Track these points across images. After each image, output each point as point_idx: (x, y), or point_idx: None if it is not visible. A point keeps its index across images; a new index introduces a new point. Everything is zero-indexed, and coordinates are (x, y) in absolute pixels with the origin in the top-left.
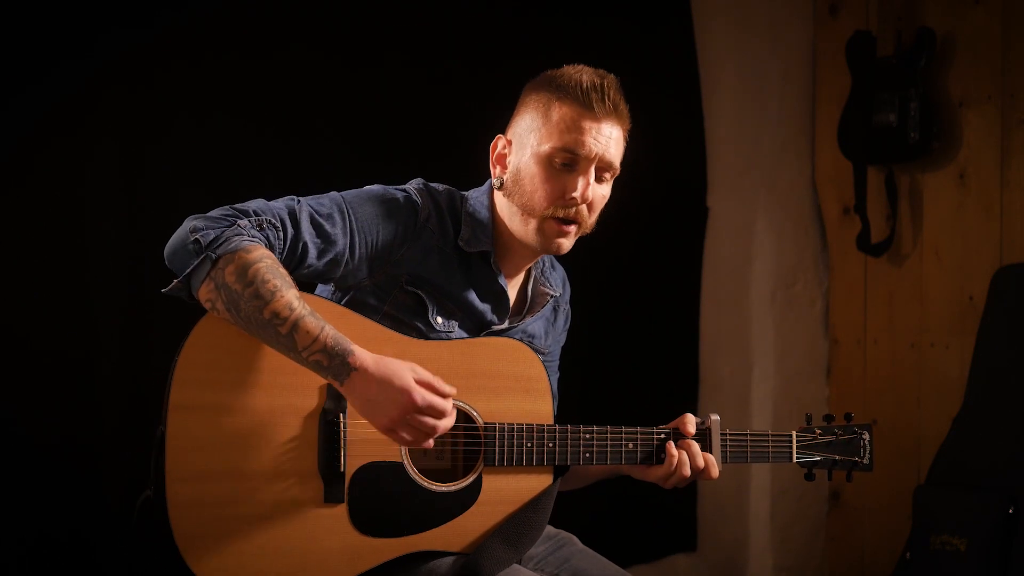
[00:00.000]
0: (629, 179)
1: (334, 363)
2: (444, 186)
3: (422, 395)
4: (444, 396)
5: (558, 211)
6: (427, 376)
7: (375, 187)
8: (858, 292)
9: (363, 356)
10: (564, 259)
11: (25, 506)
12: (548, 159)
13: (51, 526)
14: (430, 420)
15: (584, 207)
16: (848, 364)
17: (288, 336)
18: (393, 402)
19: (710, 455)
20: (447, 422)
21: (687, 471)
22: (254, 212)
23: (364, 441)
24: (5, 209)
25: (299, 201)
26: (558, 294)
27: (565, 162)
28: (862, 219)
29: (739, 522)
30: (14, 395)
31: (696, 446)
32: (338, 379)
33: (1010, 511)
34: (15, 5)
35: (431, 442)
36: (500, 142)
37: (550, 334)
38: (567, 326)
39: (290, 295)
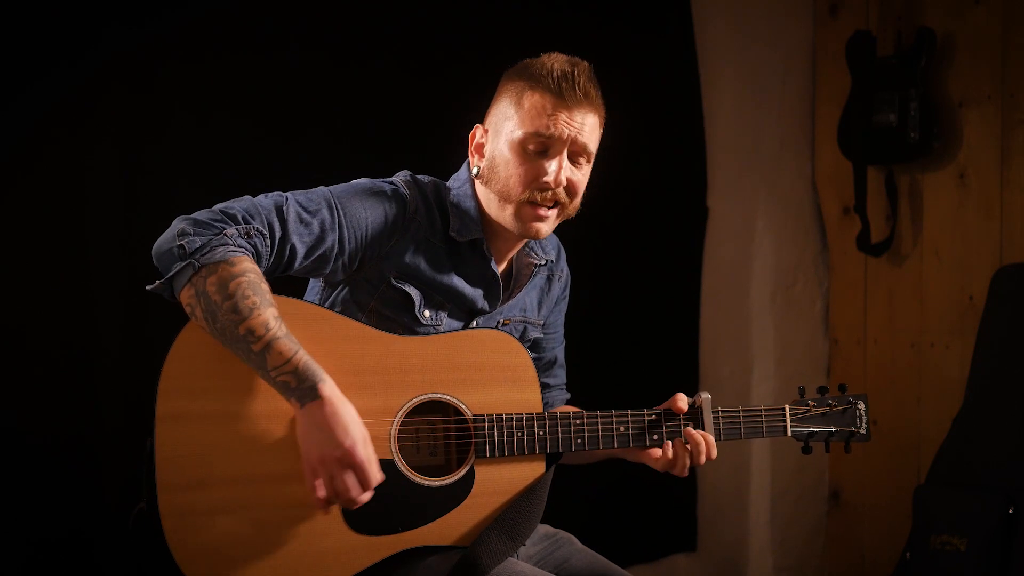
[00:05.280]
0: (629, 179)
1: (302, 386)
2: (429, 178)
3: (364, 454)
4: (374, 476)
5: (534, 195)
6: (371, 453)
7: (363, 181)
8: (858, 292)
9: (332, 391)
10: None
11: (25, 506)
12: (521, 145)
13: (51, 526)
14: (353, 481)
15: (561, 190)
16: (848, 364)
17: (259, 354)
18: (334, 444)
19: (711, 438)
20: (364, 497)
21: (685, 470)
22: (242, 219)
23: None
24: (5, 209)
25: (287, 199)
26: (544, 262)
27: (538, 148)
28: (862, 219)
29: (739, 522)
30: (14, 395)
31: (702, 444)
32: (300, 401)
33: (1010, 511)
34: (15, 5)
35: (327, 508)
36: (478, 131)
37: (544, 304)
38: (566, 292)
39: (268, 314)
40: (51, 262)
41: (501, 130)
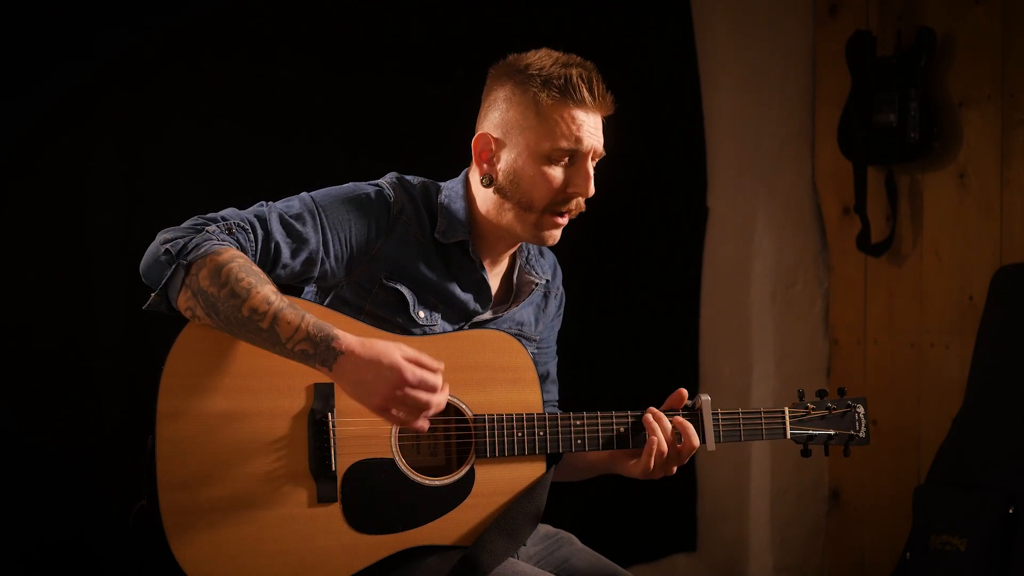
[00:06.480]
0: (629, 179)
1: (320, 349)
2: (419, 179)
3: (412, 371)
4: (433, 370)
5: (559, 205)
6: (413, 352)
7: (346, 185)
8: (858, 292)
9: (348, 339)
10: (564, 258)
11: (25, 506)
12: (547, 157)
13: (51, 527)
14: (423, 395)
15: (581, 197)
16: (848, 364)
17: (270, 330)
18: (384, 380)
19: (684, 422)
20: (440, 398)
21: (664, 447)
22: (223, 218)
23: (354, 439)
24: (5, 209)
25: (268, 205)
26: (544, 280)
27: (563, 157)
28: (862, 219)
29: (739, 522)
30: (14, 395)
31: (667, 422)
32: (326, 364)
33: (1010, 511)
34: (15, 5)
35: (426, 423)
36: (484, 140)
37: (540, 320)
38: (561, 310)
39: (266, 290)
40: (51, 262)
41: (519, 140)
